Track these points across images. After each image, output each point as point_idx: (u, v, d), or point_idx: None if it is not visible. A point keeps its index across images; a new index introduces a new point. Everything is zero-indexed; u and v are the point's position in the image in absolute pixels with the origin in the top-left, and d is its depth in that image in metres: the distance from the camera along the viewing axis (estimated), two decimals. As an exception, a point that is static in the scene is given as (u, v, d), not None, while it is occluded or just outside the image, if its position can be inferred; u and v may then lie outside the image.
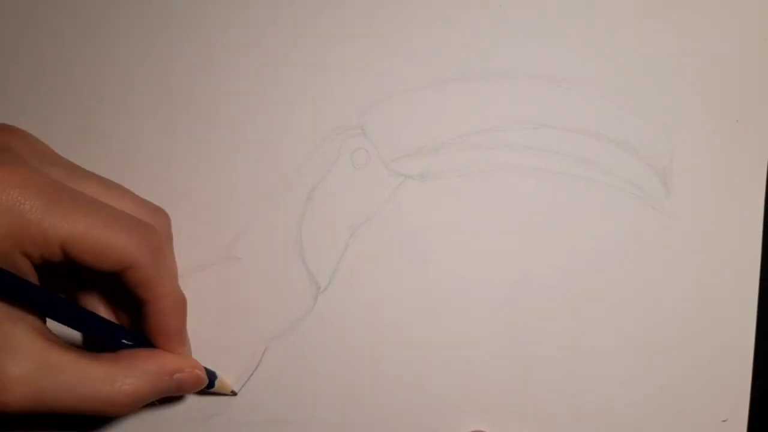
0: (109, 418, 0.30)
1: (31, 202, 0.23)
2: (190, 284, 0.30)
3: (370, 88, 0.30)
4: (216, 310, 0.30)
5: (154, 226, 0.26)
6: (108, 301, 0.29)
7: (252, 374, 0.30)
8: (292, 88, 0.30)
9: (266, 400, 0.30)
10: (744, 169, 0.30)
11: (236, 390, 0.30)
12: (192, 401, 0.30)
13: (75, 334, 0.30)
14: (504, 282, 0.30)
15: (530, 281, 0.30)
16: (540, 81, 0.30)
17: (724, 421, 0.30)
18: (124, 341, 0.27)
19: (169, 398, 0.29)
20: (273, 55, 0.30)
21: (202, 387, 0.29)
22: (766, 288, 0.30)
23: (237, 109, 0.29)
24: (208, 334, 0.30)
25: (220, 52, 0.30)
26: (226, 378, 0.30)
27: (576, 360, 0.30)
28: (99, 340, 0.28)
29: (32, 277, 0.25)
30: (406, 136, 0.30)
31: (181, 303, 0.28)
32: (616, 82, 0.30)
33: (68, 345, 0.25)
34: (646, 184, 0.30)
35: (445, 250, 0.30)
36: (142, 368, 0.26)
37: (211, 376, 0.29)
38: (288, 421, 0.30)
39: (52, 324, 0.26)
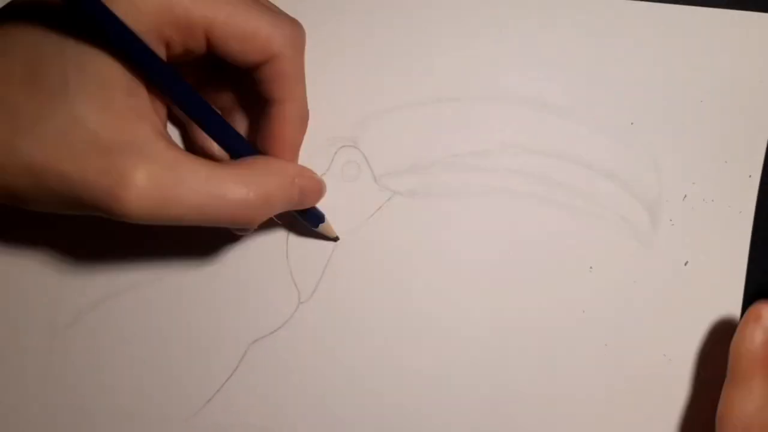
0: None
1: None
2: (170, 285, 0.30)
3: (365, 102, 0.30)
4: (199, 311, 0.30)
5: (299, 23, 0.26)
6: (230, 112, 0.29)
7: (230, 376, 0.31)
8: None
9: (243, 404, 0.31)
10: (733, 209, 0.30)
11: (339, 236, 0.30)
12: (171, 396, 0.30)
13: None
14: (486, 303, 0.30)
15: (513, 304, 0.30)
16: (535, 106, 0.30)
17: None
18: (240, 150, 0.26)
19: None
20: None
21: (322, 196, 0.29)
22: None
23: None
24: (189, 335, 0.31)
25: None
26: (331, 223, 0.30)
27: (558, 378, 0.30)
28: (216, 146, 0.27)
29: None
30: (398, 152, 0.30)
31: (307, 114, 0.27)
32: (610, 113, 0.30)
33: (187, 152, 0.24)
34: (633, 216, 0.30)
35: (428, 268, 0.30)
36: (267, 170, 0.25)
37: (320, 214, 0.29)
38: (263, 428, 0.31)
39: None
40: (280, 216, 0.28)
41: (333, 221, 0.30)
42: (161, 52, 0.24)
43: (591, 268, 0.30)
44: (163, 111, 0.26)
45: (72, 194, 0.23)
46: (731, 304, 0.30)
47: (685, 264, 0.30)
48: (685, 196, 0.30)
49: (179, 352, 0.30)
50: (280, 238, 0.30)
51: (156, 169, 0.23)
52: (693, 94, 0.30)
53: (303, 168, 0.27)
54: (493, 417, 0.30)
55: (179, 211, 0.23)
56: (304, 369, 0.30)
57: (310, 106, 0.28)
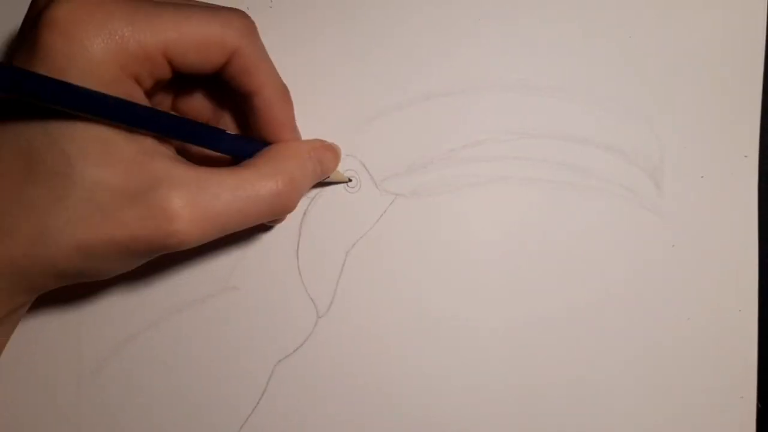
0: None
1: (116, 22, 0.22)
2: (189, 317, 0.30)
3: (355, 110, 0.30)
4: (221, 339, 0.31)
5: (245, 13, 0.26)
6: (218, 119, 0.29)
7: (261, 398, 0.31)
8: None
9: (277, 423, 0.31)
10: (736, 163, 0.30)
11: (351, 178, 0.30)
12: (204, 427, 0.31)
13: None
14: (502, 294, 0.30)
15: (528, 291, 0.30)
16: (523, 90, 0.30)
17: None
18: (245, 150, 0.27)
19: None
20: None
21: (339, 156, 0.30)
22: (765, 281, 0.30)
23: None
24: (213, 364, 0.31)
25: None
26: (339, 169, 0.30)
27: (576, 366, 0.30)
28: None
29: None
30: (394, 155, 0.30)
31: (286, 91, 0.28)
32: (600, 87, 0.30)
33: (206, 166, 0.25)
34: (637, 186, 0.30)
35: (439, 266, 0.30)
36: (283, 156, 0.27)
37: None
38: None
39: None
40: None
41: (340, 232, 0.30)
42: (137, 92, 0.24)
43: (605, 242, 0.30)
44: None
45: (127, 251, 0.23)
46: (746, 258, 0.30)
47: (696, 226, 0.30)
48: (688, 155, 0.30)
49: (207, 383, 0.31)
50: (290, 255, 0.30)
51: (188, 192, 0.23)
52: (682, 54, 0.30)
53: (312, 141, 0.28)
54: (526, 417, 0.30)
55: (224, 222, 0.24)
56: (331, 381, 0.30)
57: (298, 119, 0.28)
